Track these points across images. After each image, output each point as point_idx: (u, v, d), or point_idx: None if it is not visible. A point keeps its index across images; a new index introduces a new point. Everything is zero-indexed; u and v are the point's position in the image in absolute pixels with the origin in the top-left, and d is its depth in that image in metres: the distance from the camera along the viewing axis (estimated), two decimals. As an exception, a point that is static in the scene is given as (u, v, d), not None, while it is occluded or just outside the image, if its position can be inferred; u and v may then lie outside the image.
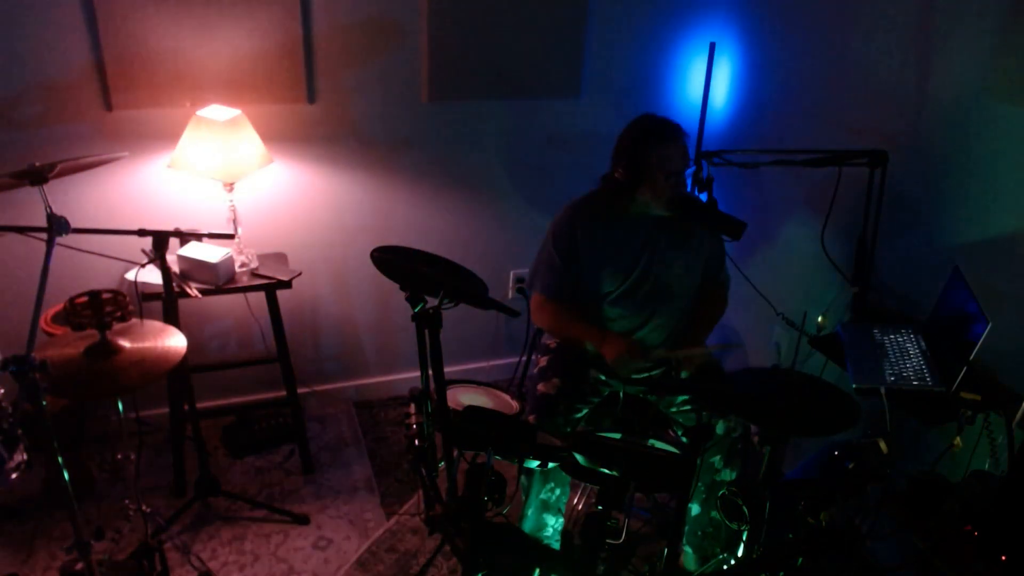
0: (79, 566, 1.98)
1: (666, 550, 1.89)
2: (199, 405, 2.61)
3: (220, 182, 2.57)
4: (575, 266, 2.37)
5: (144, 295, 2.48)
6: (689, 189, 2.41)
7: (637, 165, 2.23)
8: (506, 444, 1.89)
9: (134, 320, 2.12)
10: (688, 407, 2.41)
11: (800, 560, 1.98)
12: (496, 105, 3.08)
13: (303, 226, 3.01)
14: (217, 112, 2.55)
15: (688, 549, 2.48)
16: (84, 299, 2.13)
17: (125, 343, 2.04)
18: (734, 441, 2.33)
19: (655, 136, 2.23)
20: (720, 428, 2.30)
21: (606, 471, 1.84)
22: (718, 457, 2.34)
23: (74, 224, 1.96)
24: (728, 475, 2.35)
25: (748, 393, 2.02)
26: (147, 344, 2.06)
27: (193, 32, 2.58)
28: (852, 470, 1.98)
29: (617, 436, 2.27)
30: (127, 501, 2.41)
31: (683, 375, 2.37)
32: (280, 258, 2.89)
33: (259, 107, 2.73)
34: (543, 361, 2.53)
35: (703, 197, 2.41)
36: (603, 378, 2.46)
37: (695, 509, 2.40)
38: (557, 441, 1.93)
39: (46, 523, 2.63)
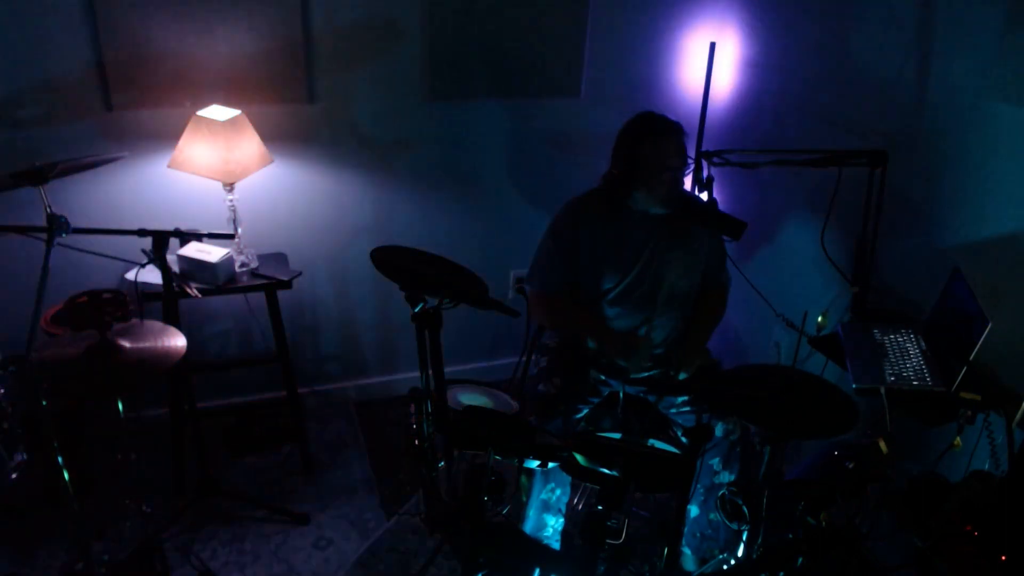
0: (79, 566, 1.98)
1: (666, 550, 1.89)
2: (199, 405, 2.60)
3: (220, 182, 2.57)
4: (574, 263, 2.38)
5: (144, 295, 2.48)
6: (689, 189, 2.41)
7: (634, 161, 2.24)
8: (506, 444, 1.89)
9: (134, 320, 2.12)
10: (687, 408, 2.41)
11: (800, 560, 1.98)
12: (496, 105, 3.08)
13: (303, 226, 3.01)
14: (217, 112, 2.55)
15: (687, 551, 2.48)
16: (84, 299, 2.13)
17: (125, 343, 2.04)
18: (732, 444, 2.34)
19: (652, 132, 2.23)
20: (719, 431, 2.30)
21: (606, 471, 1.84)
22: (716, 460, 2.34)
23: (74, 224, 1.96)
24: (726, 477, 2.35)
25: (747, 394, 2.01)
26: (147, 344, 2.06)
27: (193, 32, 2.58)
28: (852, 470, 1.98)
29: (617, 436, 2.27)
30: (127, 501, 2.42)
31: (680, 376, 2.37)
32: (280, 258, 2.89)
33: (259, 107, 2.73)
34: (543, 361, 2.53)
35: (703, 197, 2.41)
36: (603, 378, 2.46)
37: (693, 511, 2.40)
38: (557, 441, 1.93)
39: (46, 523, 2.63)
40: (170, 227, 2.22)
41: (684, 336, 2.47)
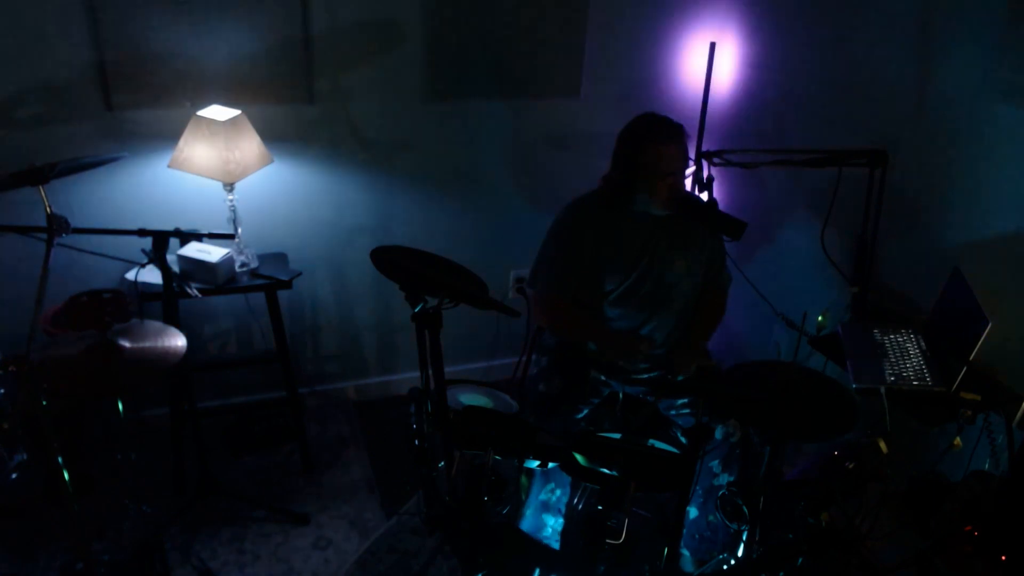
0: (79, 566, 1.98)
1: (666, 550, 1.89)
2: (199, 405, 2.61)
3: (220, 182, 2.57)
4: (576, 265, 2.37)
5: (144, 295, 2.48)
6: (689, 189, 2.41)
7: (635, 164, 2.23)
8: (506, 444, 1.89)
9: (134, 320, 2.12)
10: (687, 409, 2.41)
11: (800, 560, 1.98)
12: (496, 105, 3.08)
13: (303, 226, 3.01)
14: (217, 112, 2.55)
15: (685, 552, 2.47)
16: (84, 299, 2.13)
17: (125, 343, 2.04)
18: (732, 446, 2.33)
19: (653, 135, 2.23)
20: (718, 433, 2.30)
21: (606, 471, 1.84)
22: (716, 462, 2.34)
23: (74, 224, 1.96)
24: (726, 479, 2.35)
25: (747, 395, 2.01)
26: (147, 344, 2.06)
27: (193, 32, 2.58)
28: (852, 470, 1.98)
29: (617, 436, 2.27)
30: (127, 501, 2.41)
31: (679, 378, 2.37)
32: (280, 258, 2.89)
33: (259, 107, 2.73)
34: (544, 361, 2.53)
35: (703, 197, 2.41)
36: (603, 378, 2.46)
37: (692, 512, 2.39)
38: (557, 441, 1.94)
39: (46, 523, 2.63)
40: (170, 227, 2.22)
41: (685, 336, 2.47)
